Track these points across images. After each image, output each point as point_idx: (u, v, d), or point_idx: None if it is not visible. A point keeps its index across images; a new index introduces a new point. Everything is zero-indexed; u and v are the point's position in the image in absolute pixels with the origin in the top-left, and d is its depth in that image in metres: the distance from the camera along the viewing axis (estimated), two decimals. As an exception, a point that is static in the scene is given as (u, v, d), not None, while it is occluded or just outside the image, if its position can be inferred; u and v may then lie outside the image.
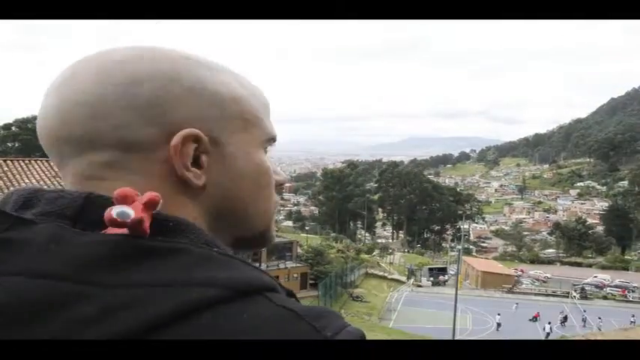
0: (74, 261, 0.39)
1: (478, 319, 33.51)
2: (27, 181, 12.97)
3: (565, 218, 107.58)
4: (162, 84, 0.48)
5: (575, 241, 78.51)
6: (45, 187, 0.48)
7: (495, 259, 70.18)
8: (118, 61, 0.49)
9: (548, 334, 28.93)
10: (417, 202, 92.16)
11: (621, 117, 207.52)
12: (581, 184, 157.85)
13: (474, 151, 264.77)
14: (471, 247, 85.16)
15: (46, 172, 13.76)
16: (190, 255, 0.41)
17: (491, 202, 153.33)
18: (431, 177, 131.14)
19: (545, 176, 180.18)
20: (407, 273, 49.56)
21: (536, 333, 29.93)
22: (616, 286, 49.13)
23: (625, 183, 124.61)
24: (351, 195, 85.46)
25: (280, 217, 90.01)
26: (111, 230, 0.42)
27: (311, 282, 33.62)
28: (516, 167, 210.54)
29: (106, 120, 0.48)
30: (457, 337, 23.83)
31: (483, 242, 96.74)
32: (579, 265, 68.79)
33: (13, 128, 45.87)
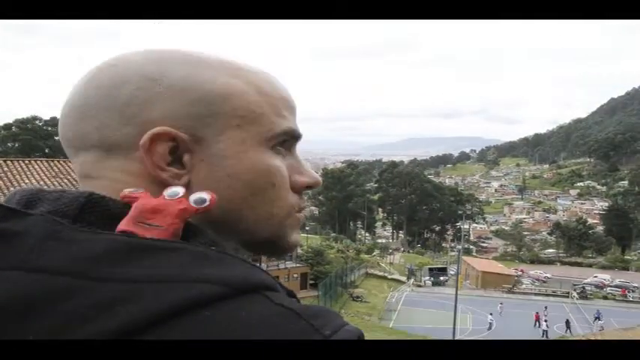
0: (73, 257, 0.39)
1: (478, 319, 33.47)
2: (27, 181, 12.90)
3: (565, 218, 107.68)
4: (141, 84, 0.49)
5: (575, 241, 78.46)
6: (45, 187, 0.49)
7: (495, 259, 70.04)
8: (112, 64, 0.51)
9: (545, 331, 29.11)
10: (417, 202, 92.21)
11: (621, 117, 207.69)
12: (581, 184, 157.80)
13: (474, 151, 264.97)
14: (471, 247, 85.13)
15: (46, 172, 13.73)
16: (188, 252, 0.41)
17: (491, 202, 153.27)
18: (431, 177, 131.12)
19: (545, 176, 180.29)
20: (407, 273, 49.52)
21: (534, 333, 29.91)
22: (616, 286, 49.02)
23: (625, 183, 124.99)
24: (351, 195, 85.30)
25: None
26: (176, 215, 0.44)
27: (311, 282, 33.53)
28: (516, 167, 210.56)
29: (90, 121, 0.49)
30: (457, 337, 23.81)
31: (483, 242, 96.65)
32: (579, 265, 68.68)
33: (14, 128, 45.96)
